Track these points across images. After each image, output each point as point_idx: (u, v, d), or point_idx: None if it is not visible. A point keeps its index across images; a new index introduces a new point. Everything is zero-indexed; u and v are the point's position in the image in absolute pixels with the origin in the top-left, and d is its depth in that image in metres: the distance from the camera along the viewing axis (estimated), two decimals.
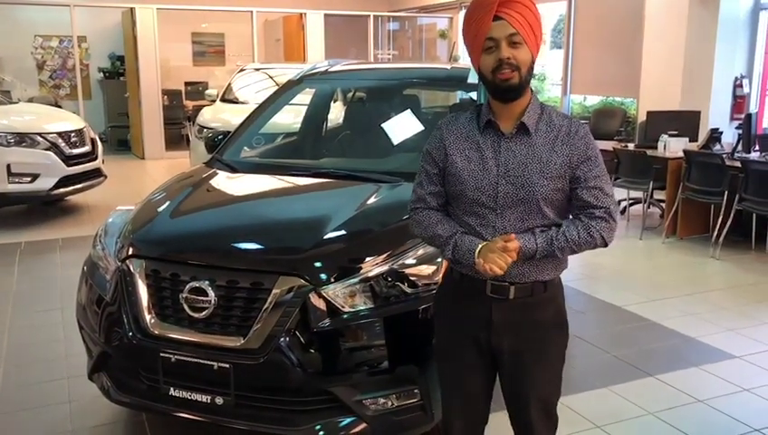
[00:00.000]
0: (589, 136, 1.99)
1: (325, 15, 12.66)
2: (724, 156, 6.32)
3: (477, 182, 1.98)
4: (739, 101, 8.68)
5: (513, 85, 1.92)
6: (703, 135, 7.00)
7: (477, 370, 2.13)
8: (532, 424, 2.14)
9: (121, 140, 12.72)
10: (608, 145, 7.48)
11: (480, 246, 1.95)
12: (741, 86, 8.68)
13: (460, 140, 2.04)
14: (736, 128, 7.45)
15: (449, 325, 2.16)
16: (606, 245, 2.00)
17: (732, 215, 6.17)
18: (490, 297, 2.02)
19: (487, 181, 1.97)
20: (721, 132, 6.81)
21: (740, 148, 6.51)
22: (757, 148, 6.52)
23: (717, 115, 8.42)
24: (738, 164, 6.16)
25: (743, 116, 7.10)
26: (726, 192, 6.14)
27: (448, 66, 4.90)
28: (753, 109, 8.57)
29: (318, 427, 2.56)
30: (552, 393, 2.16)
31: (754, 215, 6.26)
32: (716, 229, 6.27)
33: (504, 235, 1.94)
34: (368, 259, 2.68)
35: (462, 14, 13.93)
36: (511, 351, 2.06)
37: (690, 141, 7.02)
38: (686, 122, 7.26)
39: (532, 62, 1.95)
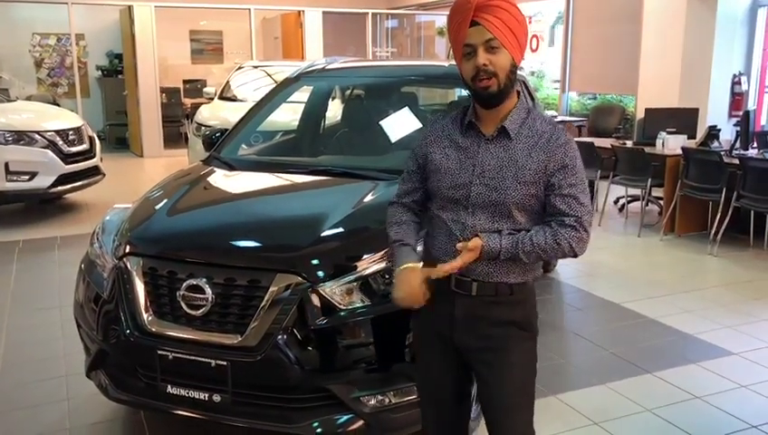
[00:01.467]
0: (569, 144, 1.95)
1: (323, 13, 12.65)
2: (723, 153, 6.33)
3: (453, 180, 2.00)
4: (737, 99, 8.70)
5: (492, 93, 1.92)
6: (701, 132, 7.00)
7: (445, 370, 2.14)
8: (499, 426, 2.09)
9: (120, 138, 12.72)
10: (606, 142, 7.49)
11: (402, 268, 2.02)
12: (739, 83, 8.69)
13: (441, 139, 2.07)
14: (734, 125, 7.45)
15: (420, 324, 2.19)
16: (575, 255, 1.96)
17: (730, 212, 6.17)
18: (454, 292, 2.03)
19: (462, 180, 1.99)
20: (719, 129, 6.81)
21: (738, 145, 6.51)
22: (755, 145, 6.53)
23: (715, 112, 8.43)
24: (736, 161, 6.16)
25: (741, 113, 7.11)
26: (724, 189, 6.15)
27: (446, 63, 4.89)
28: (751, 106, 8.58)
29: (315, 424, 2.56)
30: (515, 402, 2.06)
31: (752, 212, 6.27)
32: (714, 226, 6.28)
33: (464, 240, 1.95)
34: (365, 257, 2.68)
35: None
36: (472, 349, 2.06)
37: (688, 138, 7.03)
38: (684, 119, 7.26)
39: (513, 67, 1.93)
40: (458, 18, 1.91)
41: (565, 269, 5.61)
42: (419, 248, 2.13)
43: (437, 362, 2.15)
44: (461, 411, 2.25)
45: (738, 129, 6.73)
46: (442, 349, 2.11)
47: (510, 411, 2.07)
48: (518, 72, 1.98)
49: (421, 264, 2.05)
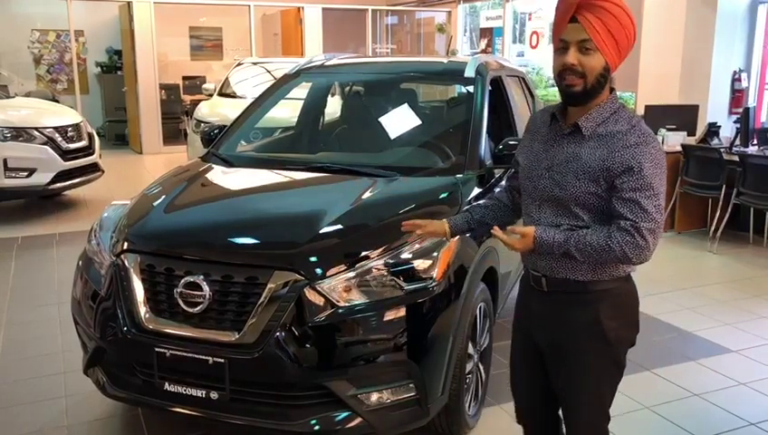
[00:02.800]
0: (640, 148, 1.87)
1: (323, 9, 12.62)
2: (723, 150, 6.32)
3: (528, 172, 2.08)
4: (737, 95, 8.67)
5: (576, 92, 1.91)
6: (701, 129, 6.99)
7: (528, 363, 2.21)
8: (569, 429, 2.14)
9: (119, 134, 12.70)
10: None
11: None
12: (739, 80, 8.67)
13: (532, 131, 2.15)
14: (734, 122, 7.43)
15: (515, 319, 2.28)
16: (630, 262, 1.91)
17: (729, 209, 6.17)
18: (532, 287, 2.12)
19: (535, 172, 2.04)
20: (719, 126, 6.81)
21: (738, 142, 6.50)
22: (755, 142, 6.52)
23: (715, 109, 8.41)
24: (736, 158, 6.15)
25: (741, 110, 7.09)
26: (724, 186, 6.14)
27: (445, 60, 4.88)
28: (751, 103, 8.56)
29: (313, 421, 2.55)
30: (590, 409, 2.07)
31: (752, 209, 6.26)
32: (714, 223, 6.28)
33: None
34: (363, 254, 2.68)
35: (461, 7, 13.94)
36: (545, 344, 2.11)
37: (688, 135, 7.02)
38: (684, 116, 7.25)
39: (605, 69, 1.91)
40: (561, 10, 1.90)
41: None
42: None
43: (522, 358, 2.25)
44: (549, 407, 2.26)
45: (738, 126, 6.72)
46: (526, 345, 2.20)
47: (575, 413, 2.10)
48: (610, 74, 1.95)
49: (447, 226, 2.27)
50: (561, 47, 1.91)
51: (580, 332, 2.01)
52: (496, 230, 2.00)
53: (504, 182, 2.39)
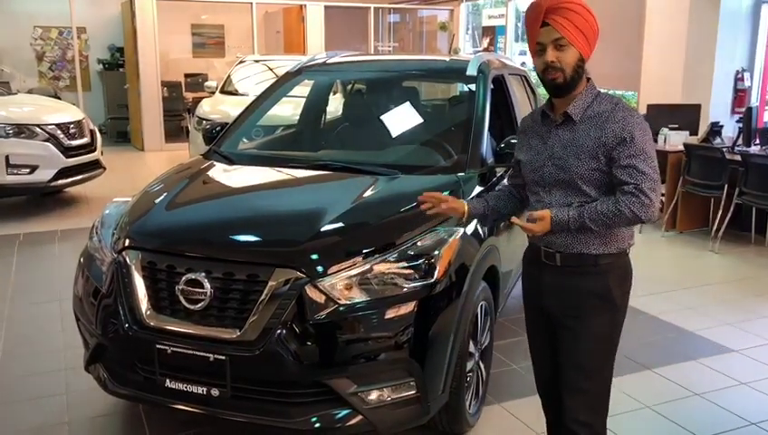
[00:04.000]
0: (627, 120, 2.11)
1: (325, 7, 12.61)
2: (725, 149, 6.30)
3: (532, 165, 2.29)
4: (740, 95, 8.66)
5: (559, 84, 2.16)
6: (703, 129, 6.98)
7: (542, 337, 2.40)
8: (564, 396, 2.28)
9: (121, 131, 12.70)
10: None
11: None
12: (742, 80, 8.65)
13: (527, 130, 2.38)
14: (737, 121, 7.42)
15: (524, 294, 2.45)
16: (641, 220, 2.12)
17: (732, 208, 6.15)
18: (543, 263, 2.29)
19: (538, 164, 2.26)
20: (721, 126, 6.79)
21: (740, 141, 6.49)
22: (758, 141, 6.51)
23: (718, 109, 8.39)
24: (738, 158, 6.14)
25: (743, 110, 7.08)
26: (726, 186, 6.13)
27: (447, 58, 4.88)
28: (753, 102, 8.54)
29: (314, 419, 2.56)
30: (588, 367, 2.24)
31: (754, 209, 6.25)
32: (716, 223, 6.26)
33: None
34: (364, 252, 2.68)
35: (463, 6, 13.92)
36: (557, 315, 2.28)
37: (690, 135, 7.01)
38: (686, 116, 7.24)
39: (580, 61, 2.15)
40: (531, 19, 2.16)
41: None
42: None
43: (535, 330, 2.44)
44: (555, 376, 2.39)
45: (741, 125, 6.70)
46: (537, 317, 2.39)
47: (579, 373, 2.25)
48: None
49: (466, 206, 2.42)
50: (538, 49, 2.16)
51: (592, 299, 2.22)
52: (515, 219, 2.23)
53: (505, 181, 2.46)
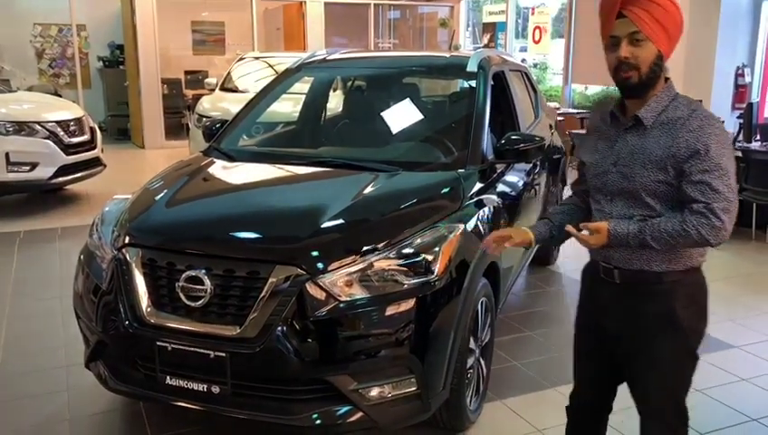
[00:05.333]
0: (704, 130, 1.90)
1: (325, 4, 12.59)
2: None
3: (595, 169, 2.09)
4: (740, 91, 8.65)
5: (632, 84, 1.95)
6: None
7: (591, 355, 2.23)
8: (643, 418, 2.17)
9: (121, 129, 12.68)
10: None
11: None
12: (742, 75, 8.64)
13: (594, 130, 2.17)
14: (738, 117, 7.41)
15: (579, 310, 2.29)
16: (709, 244, 1.92)
17: None
18: (602, 279, 2.11)
19: (602, 169, 2.06)
20: (722, 122, 6.77)
21: (741, 137, 6.48)
22: (758, 137, 6.50)
23: (719, 104, 8.38)
24: (739, 154, 6.13)
25: (744, 105, 7.07)
26: None
27: (448, 55, 4.87)
28: (754, 98, 8.50)
29: (315, 416, 2.56)
30: (663, 399, 2.10)
31: (755, 204, 6.24)
32: None
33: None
34: (365, 248, 2.67)
35: (463, 2, 13.90)
36: (616, 335, 2.10)
37: None
38: None
39: (659, 58, 1.94)
40: (606, 9, 1.95)
41: (566, 262, 5.59)
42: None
43: (586, 351, 2.27)
44: (609, 393, 2.30)
45: (741, 121, 6.70)
46: (591, 337, 2.21)
47: (648, 405, 2.12)
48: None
49: (532, 235, 2.23)
50: (612, 43, 1.95)
51: (654, 322, 2.02)
52: (570, 228, 2.04)
53: (568, 190, 2.32)
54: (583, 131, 8.02)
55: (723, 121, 2.13)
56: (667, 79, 2.00)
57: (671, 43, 1.95)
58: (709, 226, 1.88)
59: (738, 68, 8.64)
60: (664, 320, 2.02)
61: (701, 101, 2.28)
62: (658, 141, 1.94)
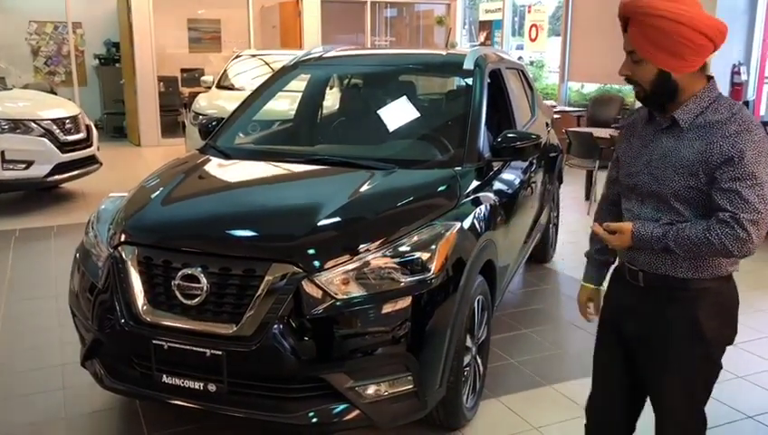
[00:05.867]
0: (741, 134, 1.80)
1: (322, 2, 12.57)
2: None
3: (628, 169, 2.04)
4: (737, 89, 8.65)
5: (641, 98, 1.93)
6: None
7: (615, 358, 2.18)
8: (658, 420, 2.12)
9: (117, 127, 12.66)
10: (605, 132, 7.46)
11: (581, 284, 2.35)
12: (738, 73, 8.64)
13: (631, 128, 2.10)
14: None
15: (603, 311, 2.26)
16: (732, 254, 1.84)
17: None
18: (627, 282, 2.07)
19: (634, 169, 2.01)
20: (765, 127, 6.77)
21: None
22: None
23: None
24: None
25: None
26: None
27: (444, 52, 4.87)
28: (750, 96, 8.54)
29: (311, 414, 2.55)
30: (680, 403, 2.05)
31: None
32: None
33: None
34: (361, 246, 2.67)
35: (460, 0, 13.89)
36: (635, 338, 2.07)
37: None
38: None
39: (662, 75, 1.86)
40: (620, 21, 1.90)
41: (564, 259, 5.60)
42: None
43: (606, 353, 2.23)
44: (629, 403, 2.22)
45: None
46: (612, 340, 2.17)
47: (665, 412, 2.08)
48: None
49: (592, 286, 2.29)
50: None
51: (676, 330, 1.97)
52: (596, 226, 2.01)
53: (605, 190, 2.30)
54: (578, 129, 8.03)
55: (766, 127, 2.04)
56: (710, 78, 1.90)
57: (678, 60, 1.84)
58: (733, 236, 1.80)
59: (734, 66, 8.65)
60: (686, 327, 1.96)
61: (747, 102, 2.23)
62: (692, 145, 1.86)
